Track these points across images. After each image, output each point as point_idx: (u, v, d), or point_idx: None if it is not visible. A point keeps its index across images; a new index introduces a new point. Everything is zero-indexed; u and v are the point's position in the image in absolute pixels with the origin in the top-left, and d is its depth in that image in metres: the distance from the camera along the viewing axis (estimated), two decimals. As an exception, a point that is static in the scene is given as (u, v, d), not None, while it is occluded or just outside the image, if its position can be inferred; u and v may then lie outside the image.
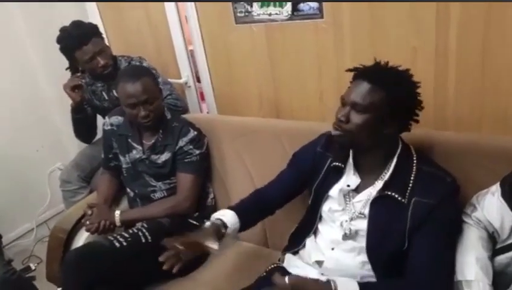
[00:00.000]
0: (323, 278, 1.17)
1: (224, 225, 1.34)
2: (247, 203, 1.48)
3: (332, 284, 1.13)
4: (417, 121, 1.26)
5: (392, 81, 1.20)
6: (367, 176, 1.31)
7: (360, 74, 1.24)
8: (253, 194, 1.53)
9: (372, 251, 1.27)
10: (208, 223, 1.34)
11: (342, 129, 1.23)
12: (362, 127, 1.20)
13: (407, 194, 1.23)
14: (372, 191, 1.28)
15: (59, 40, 2.05)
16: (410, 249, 1.21)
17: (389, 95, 1.18)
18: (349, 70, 1.28)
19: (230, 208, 1.42)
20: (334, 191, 1.35)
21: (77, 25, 2.05)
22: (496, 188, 1.21)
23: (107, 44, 2.22)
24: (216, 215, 1.38)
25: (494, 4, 1.39)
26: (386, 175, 1.26)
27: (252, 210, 1.47)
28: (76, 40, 2.02)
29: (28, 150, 2.78)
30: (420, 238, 1.20)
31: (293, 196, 1.54)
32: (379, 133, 1.22)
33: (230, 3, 1.94)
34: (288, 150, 1.60)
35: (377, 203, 1.27)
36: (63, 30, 2.05)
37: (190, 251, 1.26)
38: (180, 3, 2.19)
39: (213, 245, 1.24)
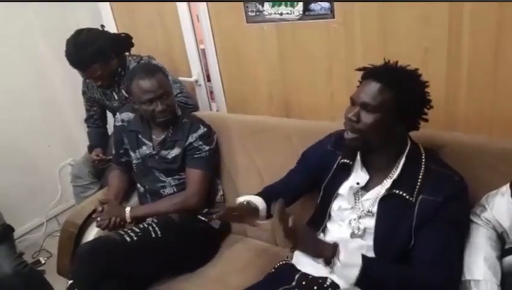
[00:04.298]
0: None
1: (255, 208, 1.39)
2: (260, 196, 1.50)
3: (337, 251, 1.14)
4: (426, 120, 1.27)
5: (402, 81, 1.21)
6: (376, 174, 1.32)
7: (370, 73, 1.25)
8: (263, 191, 1.55)
9: (379, 248, 1.28)
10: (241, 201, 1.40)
11: (354, 129, 1.24)
12: (373, 127, 1.21)
13: (415, 192, 1.24)
14: (380, 189, 1.29)
15: (65, 54, 2.04)
16: (418, 243, 1.21)
17: (398, 95, 1.19)
18: (359, 69, 1.29)
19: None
20: (344, 189, 1.36)
21: (78, 49, 2.00)
22: (505, 189, 1.21)
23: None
24: (241, 199, 1.43)
25: (507, 3, 1.39)
26: (395, 173, 1.27)
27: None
28: (75, 64, 2.04)
29: (39, 146, 2.82)
30: (426, 234, 1.20)
31: (300, 194, 1.55)
32: (389, 132, 1.23)
33: (242, 2, 1.96)
34: (298, 149, 1.61)
35: (385, 202, 1.28)
36: (67, 45, 2.02)
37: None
38: (192, 3, 2.20)
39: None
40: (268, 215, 1.37)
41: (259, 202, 1.43)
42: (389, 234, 1.27)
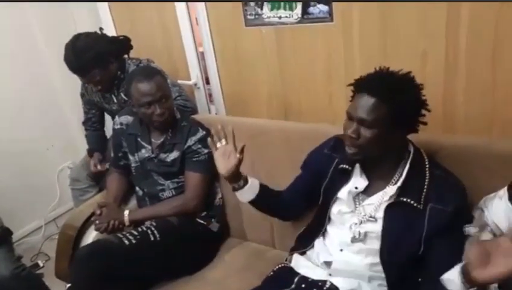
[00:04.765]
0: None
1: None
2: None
3: None
4: (425, 123, 1.26)
5: (394, 91, 1.19)
6: (376, 179, 1.32)
7: (362, 87, 1.24)
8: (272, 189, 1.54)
9: (387, 254, 1.28)
10: None
11: (355, 145, 1.24)
12: (373, 141, 1.21)
13: (422, 199, 1.24)
14: (383, 195, 1.29)
15: (64, 59, 2.04)
16: (432, 254, 1.22)
17: (393, 107, 1.18)
18: (350, 84, 1.28)
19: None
20: (343, 193, 1.36)
21: (76, 55, 1.98)
22: (503, 192, 1.21)
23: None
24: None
25: (505, 6, 1.40)
26: (399, 180, 1.27)
27: (268, 195, 1.50)
28: (74, 70, 2.04)
29: (38, 148, 2.82)
30: (441, 245, 1.21)
31: (308, 200, 1.52)
32: (389, 141, 1.23)
33: (241, 5, 1.96)
34: (297, 152, 1.61)
35: (392, 209, 1.27)
36: (66, 50, 2.01)
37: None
38: (191, 6, 2.21)
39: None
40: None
41: (255, 184, 1.46)
42: (396, 240, 1.27)
